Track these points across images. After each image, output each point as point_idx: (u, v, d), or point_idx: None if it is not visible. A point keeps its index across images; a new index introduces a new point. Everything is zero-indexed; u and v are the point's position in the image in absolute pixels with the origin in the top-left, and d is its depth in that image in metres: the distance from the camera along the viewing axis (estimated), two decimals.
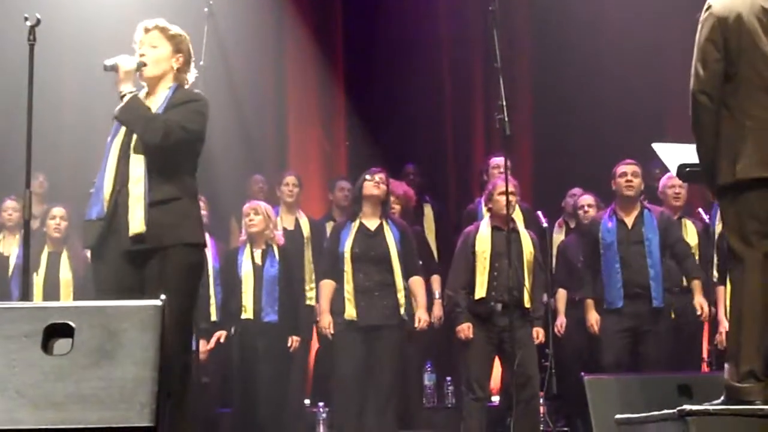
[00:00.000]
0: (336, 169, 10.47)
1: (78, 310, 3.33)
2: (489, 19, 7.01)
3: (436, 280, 8.17)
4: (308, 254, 8.52)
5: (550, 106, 10.25)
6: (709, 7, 4.50)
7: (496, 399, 8.41)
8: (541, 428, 7.76)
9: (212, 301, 7.85)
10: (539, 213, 8.09)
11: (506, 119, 6.72)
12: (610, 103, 9.99)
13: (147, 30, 5.09)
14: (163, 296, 3.39)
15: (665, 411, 4.25)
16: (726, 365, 4.36)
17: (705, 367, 7.92)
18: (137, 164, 4.86)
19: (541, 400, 7.91)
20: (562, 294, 8.27)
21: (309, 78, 10.57)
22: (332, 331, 7.38)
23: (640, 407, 5.02)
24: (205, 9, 7.69)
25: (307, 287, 8.38)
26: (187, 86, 5.15)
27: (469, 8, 10.34)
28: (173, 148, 4.89)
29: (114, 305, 3.40)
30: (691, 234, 8.05)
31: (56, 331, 3.28)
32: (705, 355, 8.04)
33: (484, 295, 7.24)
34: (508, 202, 7.11)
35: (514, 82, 9.32)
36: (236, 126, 9.93)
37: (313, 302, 8.23)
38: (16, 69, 5.65)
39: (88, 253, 5.21)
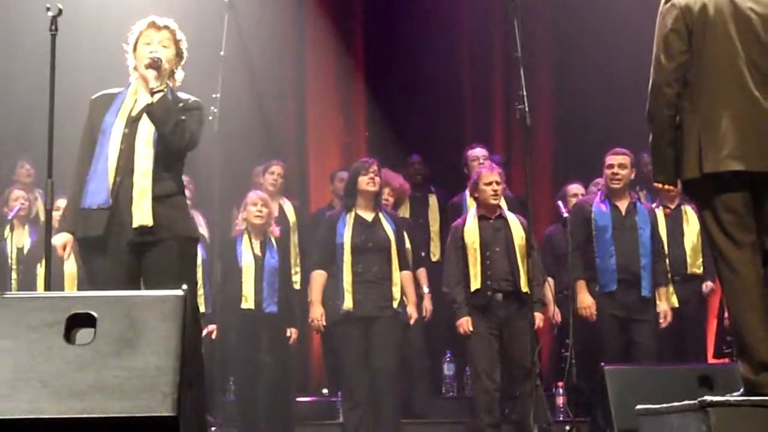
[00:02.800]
0: (356, 159, 10.42)
1: (100, 300, 3.35)
2: (509, 8, 6.99)
3: (422, 273, 8.09)
4: (294, 239, 8.47)
5: (571, 96, 10.21)
6: None
7: None
8: (561, 419, 7.76)
9: (200, 291, 7.79)
10: (560, 203, 8.06)
11: (527, 110, 6.71)
12: (631, 92, 9.87)
13: (158, 28, 5.15)
14: (185, 286, 3.41)
15: (686, 402, 4.24)
16: (739, 362, 4.36)
17: (711, 357, 7.93)
18: (145, 158, 4.94)
19: (561, 391, 7.91)
20: (549, 282, 8.14)
21: (329, 68, 10.57)
22: (324, 323, 7.38)
23: (659, 398, 5.01)
24: None
25: (292, 271, 8.31)
26: (177, 86, 5.22)
27: None
28: (185, 152, 5.08)
29: (136, 295, 3.42)
30: (692, 221, 8.01)
31: (79, 321, 3.30)
32: (724, 345, 8.02)
33: (479, 286, 7.24)
34: (528, 192, 7.13)
35: (534, 71, 9.26)
36: (256, 116, 9.93)
37: (298, 286, 8.23)
38: (37, 59, 5.68)
39: (64, 239, 5.09)
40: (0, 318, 3.30)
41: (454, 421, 8.31)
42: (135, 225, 4.86)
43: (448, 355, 8.70)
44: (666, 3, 4.48)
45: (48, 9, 5.12)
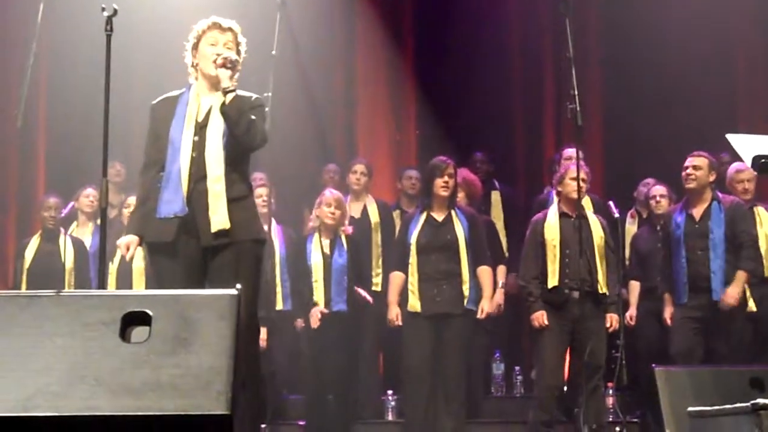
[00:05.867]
0: (406, 157, 10.46)
1: (155, 299, 3.37)
2: (561, 8, 6.97)
3: (501, 270, 8.16)
4: (376, 239, 8.50)
5: (621, 96, 10.16)
6: None
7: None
8: (611, 419, 7.73)
9: (278, 289, 7.87)
10: (611, 203, 8.03)
11: (578, 109, 6.69)
12: (682, 92, 9.88)
13: (223, 30, 5.14)
14: (238, 285, 3.44)
15: (738, 404, 4.21)
16: None
17: None
18: (216, 162, 4.98)
19: (611, 391, 7.88)
20: (634, 285, 8.26)
21: (379, 66, 10.59)
22: (400, 323, 7.43)
23: (711, 400, 4.98)
24: None
25: (373, 273, 8.35)
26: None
27: None
28: (256, 150, 5.14)
29: (191, 294, 3.43)
30: (765, 222, 7.92)
31: (134, 319, 3.32)
32: None
33: (557, 283, 7.22)
34: (579, 191, 7.10)
35: (585, 71, 9.25)
36: (307, 115, 9.98)
37: (378, 288, 8.22)
38: (94, 59, 5.74)
39: (128, 239, 5.12)
40: (56, 316, 3.33)
41: (503, 421, 8.30)
42: (214, 229, 4.93)
43: (497, 354, 8.69)
44: None
45: (103, 9, 5.17)
